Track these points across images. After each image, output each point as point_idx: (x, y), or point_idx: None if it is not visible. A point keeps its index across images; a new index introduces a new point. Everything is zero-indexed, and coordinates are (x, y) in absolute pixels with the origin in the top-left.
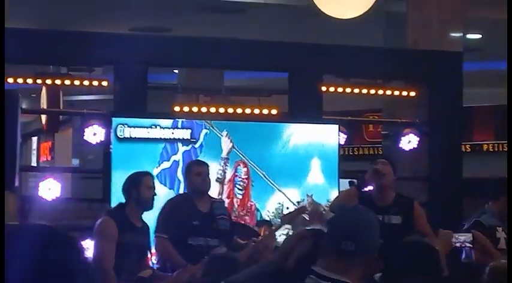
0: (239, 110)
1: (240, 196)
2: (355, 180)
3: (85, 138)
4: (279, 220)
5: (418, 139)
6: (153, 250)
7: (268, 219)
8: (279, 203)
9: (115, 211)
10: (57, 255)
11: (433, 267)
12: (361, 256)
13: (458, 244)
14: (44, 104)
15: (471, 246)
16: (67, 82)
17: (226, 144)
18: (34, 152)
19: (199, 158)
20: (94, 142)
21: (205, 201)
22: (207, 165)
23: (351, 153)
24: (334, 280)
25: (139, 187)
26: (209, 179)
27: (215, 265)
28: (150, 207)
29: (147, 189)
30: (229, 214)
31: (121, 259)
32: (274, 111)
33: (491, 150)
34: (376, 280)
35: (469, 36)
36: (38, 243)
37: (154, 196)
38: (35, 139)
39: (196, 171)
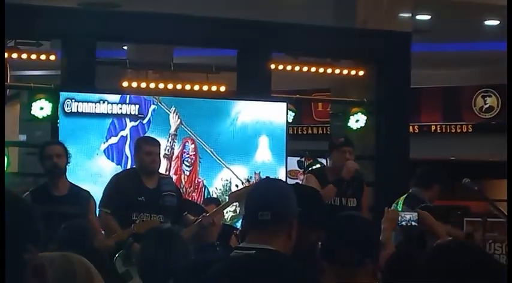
0: (187, 87)
1: (188, 173)
2: (302, 159)
3: (32, 112)
4: (227, 197)
5: (365, 118)
6: None
7: (215, 196)
8: (227, 180)
9: (39, 186)
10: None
11: (367, 240)
12: (279, 223)
13: (404, 223)
14: None
15: (416, 224)
16: (14, 55)
17: (174, 120)
18: None
19: (146, 134)
20: (41, 117)
21: (153, 178)
22: (159, 144)
23: (300, 133)
24: (258, 249)
25: (41, 158)
26: (159, 159)
27: (153, 238)
28: (54, 174)
29: (46, 160)
30: (179, 190)
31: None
32: (222, 88)
33: (439, 131)
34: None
35: (419, 17)
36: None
37: (65, 164)
38: None
39: (146, 150)
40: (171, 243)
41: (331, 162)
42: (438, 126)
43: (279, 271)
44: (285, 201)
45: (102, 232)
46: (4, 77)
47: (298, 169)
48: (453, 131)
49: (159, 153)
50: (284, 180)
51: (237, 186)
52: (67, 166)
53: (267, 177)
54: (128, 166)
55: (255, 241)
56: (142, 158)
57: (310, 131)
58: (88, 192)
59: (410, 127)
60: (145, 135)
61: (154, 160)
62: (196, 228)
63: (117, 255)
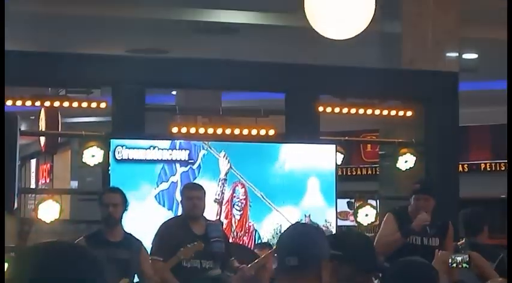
0: (236, 131)
1: (238, 217)
2: (352, 200)
3: (83, 160)
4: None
5: (414, 159)
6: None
7: (266, 239)
8: (277, 223)
9: (95, 231)
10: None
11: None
12: (307, 268)
13: (454, 265)
14: (42, 126)
15: (468, 266)
16: (65, 104)
17: (223, 164)
18: (33, 174)
19: (197, 179)
20: (92, 164)
21: (200, 224)
22: (202, 189)
23: (348, 173)
24: None
25: (101, 205)
26: (201, 204)
27: None
28: (108, 223)
29: (102, 207)
30: (226, 236)
31: None
32: (271, 132)
33: (489, 169)
34: None
35: (465, 56)
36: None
37: (122, 212)
38: (33, 161)
39: (187, 195)
40: None
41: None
42: (488, 164)
43: None
44: (312, 246)
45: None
46: (4, 100)
47: (348, 210)
48: (502, 168)
49: (202, 198)
50: (334, 221)
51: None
52: (123, 214)
53: (297, 222)
54: (179, 212)
55: None
56: (184, 204)
57: (359, 172)
58: (140, 241)
59: (460, 166)
60: (196, 180)
61: (196, 206)
62: (240, 278)
63: None
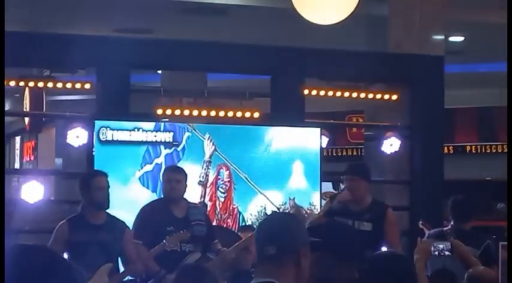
0: (221, 113)
1: (223, 199)
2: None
3: (68, 141)
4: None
5: (399, 142)
6: None
7: (250, 222)
8: (261, 206)
9: (75, 214)
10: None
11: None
12: (285, 256)
13: (437, 253)
14: (27, 104)
15: (450, 254)
16: (50, 84)
17: (208, 147)
18: (17, 152)
19: (181, 161)
20: (76, 145)
21: (182, 207)
22: (182, 172)
23: (334, 155)
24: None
25: (90, 189)
26: (180, 186)
27: (185, 275)
28: (104, 207)
29: (98, 190)
30: (208, 219)
31: (81, 256)
32: (256, 114)
33: (474, 151)
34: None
35: (451, 38)
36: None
37: (109, 196)
38: (18, 138)
39: (166, 178)
40: (203, 279)
41: None
42: (473, 146)
43: None
44: (289, 234)
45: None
46: (4, 76)
47: (333, 191)
48: (488, 151)
49: (181, 181)
50: (319, 204)
51: (266, 214)
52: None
53: (273, 211)
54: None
55: (262, 275)
56: (163, 186)
57: (345, 153)
58: (123, 222)
59: (445, 148)
60: (180, 162)
61: (174, 188)
62: (220, 261)
63: None
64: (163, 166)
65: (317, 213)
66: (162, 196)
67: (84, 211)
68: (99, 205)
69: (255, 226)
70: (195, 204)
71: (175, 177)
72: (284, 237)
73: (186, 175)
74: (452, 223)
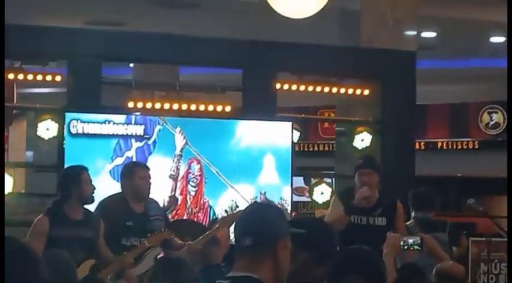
0: (193, 107)
1: (193, 193)
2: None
3: (38, 133)
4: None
5: (371, 137)
6: None
7: (221, 216)
8: (232, 200)
9: (52, 209)
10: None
11: (373, 270)
12: (262, 248)
13: (406, 247)
14: None
15: (419, 248)
16: (20, 76)
17: (179, 140)
18: None
19: (152, 155)
20: (47, 138)
21: (140, 202)
22: (149, 169)
23: (305, 149)
24: (233, 277)
25: (80, 183)
26: (151, 184)
27: (163, 268)
28: (91, 201)
29: (88, 185)
30: (165, 214)
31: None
32: (227, 108)
33: (445, 147)
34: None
35: (424, 34)
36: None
37: (94, 191)
38: None
39: (142, 175)
40: (180, 272)
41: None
42: (444, 142)
43: None
44: (267, 225)
45: None
46: (3, 80)
47: (304, 186)
48: (459, 147)
49: (150, 178)
50: (290, 199)
51: (226, 211)
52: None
53: (255, 201)
54: None
55: (238, 268)
56: (137, 183)
57: (316, 148)
58: (97, 215)
59: (417, 143)
60: (151, 155)
61: (148, 185)
62: (185, 253)
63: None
64: (134, 160)
65: (329, 212)
66: (126, 191)
67: (63, 205)
68: (86, 200)
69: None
70: (151, 199)
71: (147, 173)
72: (261, 226)
73: None
74: (413, 214)
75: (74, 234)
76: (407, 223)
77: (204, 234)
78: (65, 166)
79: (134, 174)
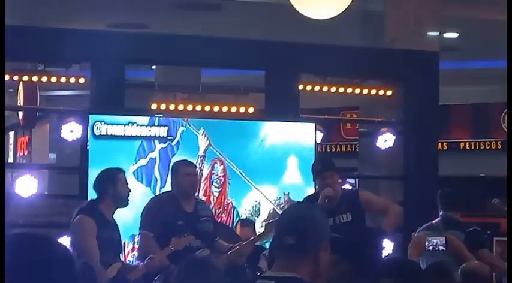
0: (216, 108)
1: (217, 194)
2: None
3: (62, 135)
4: (257, 219)
5: (394, 138)
6: (134, 246)
7: (244, 217)
8: (256, 201)
9: (89, 209)
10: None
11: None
12: (305, 248)
13: (431, 247)
14: (20, 99)
15: (444, 249)
16: (44, 79)
17: (202, 141)
18: (11, 147)
19: (175, 156)
20: (71, 140)
21: (191, 202)
22: (196, 166)
23: (328, 151)
24: (278, 278)
25: (116, 184)
26: (198, 181)
27: (191, 269)
28: (126, 204)
29: (124, 187)
30: (213, 216)
31: (101, 253)
32: (250, 109)
33: (468, 148)
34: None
35: (446, 35)
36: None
37: (130, 193)
38: (11, 133)
39: (186, 172)
40: (207, 272)
41: None
42: (467, 143)
43: None
44: (312, 225)
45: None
46: (4, 73)
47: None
48: (482, 147)
49: (197, 175)
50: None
51: (270, 212)
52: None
53: (297, 202)
54: (157, 189)
55: (280, 268)
56: (183, 181)
57: (339, 149)
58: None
59: (439, 144)
60: (174, 157)
61: (195, 182)
62: (235, 256)
63: (156, 279)
64: (158, 161)
65: None
66: (172, 190)
67: (99, 206)
68: (121, 202)
69: (252, 220)
70: (201, 199)
71: (194, 171)
72: (305, 226)
73: None
74: (441, 213)
75: (109, 234)
76: (434, 221)
77: (254, 237)
78: (88, 168)
79: (179, 172)
